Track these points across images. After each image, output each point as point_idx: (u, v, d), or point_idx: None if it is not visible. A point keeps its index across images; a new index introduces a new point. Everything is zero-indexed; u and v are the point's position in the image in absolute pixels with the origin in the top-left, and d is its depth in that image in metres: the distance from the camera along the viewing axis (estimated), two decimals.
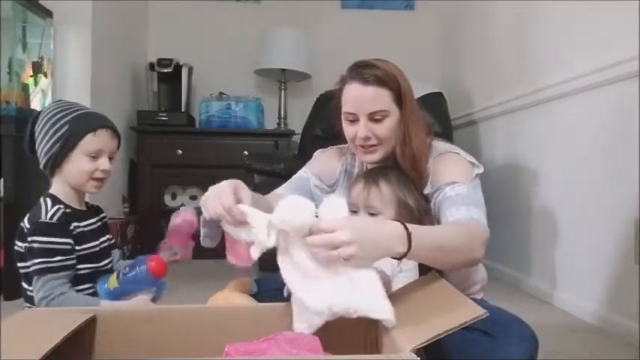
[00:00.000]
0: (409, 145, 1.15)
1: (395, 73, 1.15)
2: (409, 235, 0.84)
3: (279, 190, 1.27)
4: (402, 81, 1.15)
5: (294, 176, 1.32)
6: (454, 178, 1.11)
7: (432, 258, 0.92)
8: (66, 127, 1.18)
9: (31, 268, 1.14)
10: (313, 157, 1.38)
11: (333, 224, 0.80)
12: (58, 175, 1.22)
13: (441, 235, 0.96)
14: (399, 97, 1.14)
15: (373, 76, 1.12)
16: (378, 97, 1.13)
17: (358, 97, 1.13)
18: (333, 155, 1.35)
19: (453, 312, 0.76)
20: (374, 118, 1.14)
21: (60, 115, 1.19)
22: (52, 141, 1.18)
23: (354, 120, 1.15)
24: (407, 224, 0.86)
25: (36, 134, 1.20)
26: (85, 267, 1.20)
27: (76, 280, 1.19)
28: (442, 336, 0.70)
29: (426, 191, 1.15)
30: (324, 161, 1.34)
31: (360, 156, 1.21)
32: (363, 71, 1.13)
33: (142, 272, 1.13)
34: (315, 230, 0.81)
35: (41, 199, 1.19)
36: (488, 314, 0.72)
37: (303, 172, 1.32)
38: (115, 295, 1.14)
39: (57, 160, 1.19)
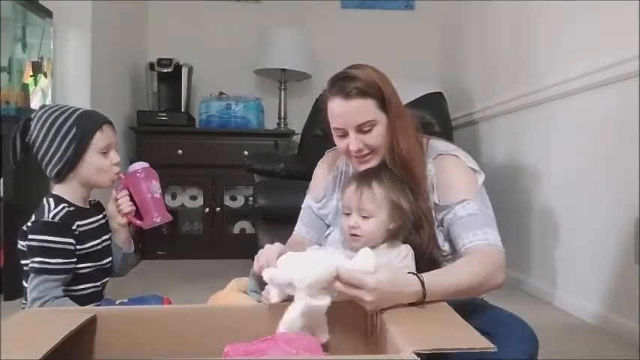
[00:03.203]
0: (397, 151, 1.13)
1: (375, 79, 1.13)
2: (424, 294, 0.91)
3: (296, 231, 1.33)
4: (384, 86, 1.13)
5: (301, 211, 1.35)
6: (463, 194, 1.11)
7: (451, 297, 0.97)
8: (74, 130, 1.18)
9: (29, 266, 1.15)
10: (313, 175, 1.38)
11: (360, 279, 0.86)
12: (69, 179, 1.22)
13: (458, 280, 0.99)
14: (384, 103, 1.13)
15: (355, 89, 1.10)
16: (363, 109, 1.11)
17: (343, 112, 1.12)
18: (327, 166, 1.35)
19: (460, 334, 0.77)
20: (362, 129, 1.13)
21: (61, 119, 1.19)
22: (63, 146, 1.18)
23: (344, 134, 1.15)
24: (425, 279, 0.91)
25: (37, 144, 1.19)
26: (86, 266, 1.21)
27: (78, 279, 1.19)
28: (446, 351, 0.71)
29: (435, 200, 1.14)
30: (319, 182, 1.34)
31: (355, 166, 1.21)
32: (344, 85, 1.11)
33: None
34: (345, 277, 0.86)
35: (44, 200, 1.19)
36: (496, 349, 0.74)
37: (305, 203, 1.35)
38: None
39: (73, 163, 1.19)
